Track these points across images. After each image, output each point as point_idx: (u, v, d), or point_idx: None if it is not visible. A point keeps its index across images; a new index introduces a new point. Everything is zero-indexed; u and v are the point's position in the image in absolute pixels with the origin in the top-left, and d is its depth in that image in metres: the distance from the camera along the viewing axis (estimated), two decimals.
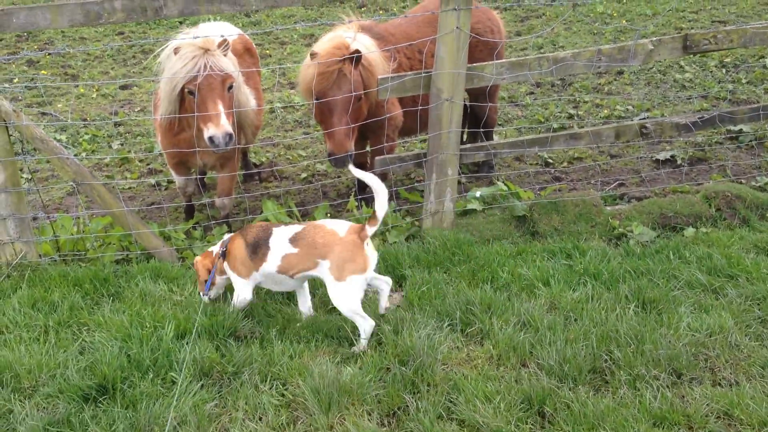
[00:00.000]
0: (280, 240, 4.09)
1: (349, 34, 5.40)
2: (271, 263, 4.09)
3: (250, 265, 4.14)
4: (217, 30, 5.95)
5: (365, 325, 3.97)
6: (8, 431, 3.49)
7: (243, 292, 4.21)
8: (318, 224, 4.10)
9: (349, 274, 3.92)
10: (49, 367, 3.83)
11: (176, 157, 5.31)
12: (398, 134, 6.01)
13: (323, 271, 3.99)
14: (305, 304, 4.34)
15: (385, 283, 4.18)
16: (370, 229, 3.97)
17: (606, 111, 8.04)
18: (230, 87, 4.88)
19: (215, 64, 4.76)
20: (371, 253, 4.00)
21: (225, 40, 4.85)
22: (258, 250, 4.12)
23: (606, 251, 4.98)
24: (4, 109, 4.59)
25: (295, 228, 4.13)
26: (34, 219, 5.54)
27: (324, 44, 5.35)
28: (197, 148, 5.11)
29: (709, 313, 4.20)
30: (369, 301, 4.36)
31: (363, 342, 3.98)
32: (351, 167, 4.19)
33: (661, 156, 6.83)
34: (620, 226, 5.37)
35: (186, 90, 4.86)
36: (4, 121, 4.62)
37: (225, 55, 4.86)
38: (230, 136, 4.75)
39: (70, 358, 3.88)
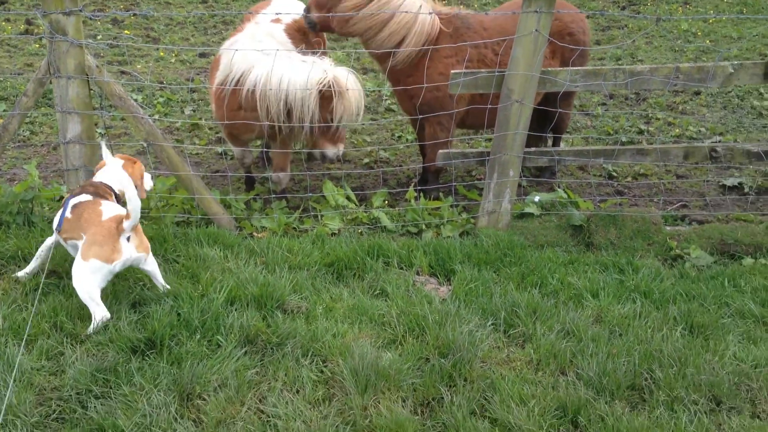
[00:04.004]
0: (69, 203, 4.13)
1: None
2: (56, 221, 4.16)
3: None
4: (288, 6, 6.00)
5: (98, 314, 3.88)
6: (57, 372, 3.65)
7: None
8: (96, 201, 4.09)
9: (92, 257, 3.86)
10: None
11: (228, 129, 5.51)
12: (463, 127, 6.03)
13: (80, 246, 3.97)
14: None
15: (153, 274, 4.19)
16: (126, 223, 3.91)
17: (677, 130, 7.88)
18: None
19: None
20: (126, 248, 3.94)
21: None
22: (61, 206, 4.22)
23: (660, 270, 4.93)
24: (88, 63, 4.75)
25: (84, 198, 4.13)
26: None
27: None
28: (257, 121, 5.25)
29: (757, 344, 4.13)
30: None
31: (91, 328, 3.88)
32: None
33: (729, 182, 6.68)
34: (678, 247, 5.30)
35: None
36: (87, 75, 4.78)
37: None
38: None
39: (123, 309, 4.03)
